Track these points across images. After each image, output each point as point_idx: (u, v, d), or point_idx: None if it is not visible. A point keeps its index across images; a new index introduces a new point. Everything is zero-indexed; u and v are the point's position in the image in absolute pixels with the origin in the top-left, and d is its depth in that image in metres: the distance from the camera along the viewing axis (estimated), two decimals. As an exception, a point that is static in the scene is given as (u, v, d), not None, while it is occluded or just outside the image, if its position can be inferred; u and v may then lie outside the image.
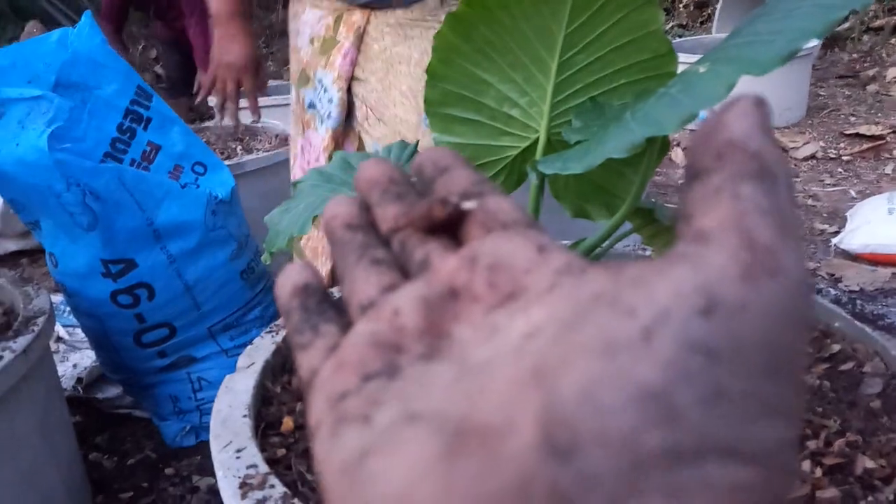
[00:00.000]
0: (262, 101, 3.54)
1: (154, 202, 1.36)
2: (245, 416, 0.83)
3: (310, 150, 1.40)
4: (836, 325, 0.97)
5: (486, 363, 0.18)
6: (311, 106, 1.39)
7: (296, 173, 1.49)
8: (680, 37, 5.42)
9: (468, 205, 0.24)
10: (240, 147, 2.35)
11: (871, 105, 4.05)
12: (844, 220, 2.43)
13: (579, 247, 0.86)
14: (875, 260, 2.17)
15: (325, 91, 1.35)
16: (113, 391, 1.67)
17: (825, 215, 2.64)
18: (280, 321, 1.07)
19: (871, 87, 4.36)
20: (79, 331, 1.66)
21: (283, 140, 2.46)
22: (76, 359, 1.73)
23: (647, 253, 1.20)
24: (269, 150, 2.33)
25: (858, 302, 0.99)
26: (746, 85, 0.37)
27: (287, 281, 0.26)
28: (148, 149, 1.47)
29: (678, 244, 0.18)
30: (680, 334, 0.16)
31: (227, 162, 2.15)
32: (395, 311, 0.22)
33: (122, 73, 1.43)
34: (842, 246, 2.26)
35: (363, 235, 0.27)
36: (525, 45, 0.81)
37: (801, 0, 0.60)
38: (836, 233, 2.39)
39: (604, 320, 0.17)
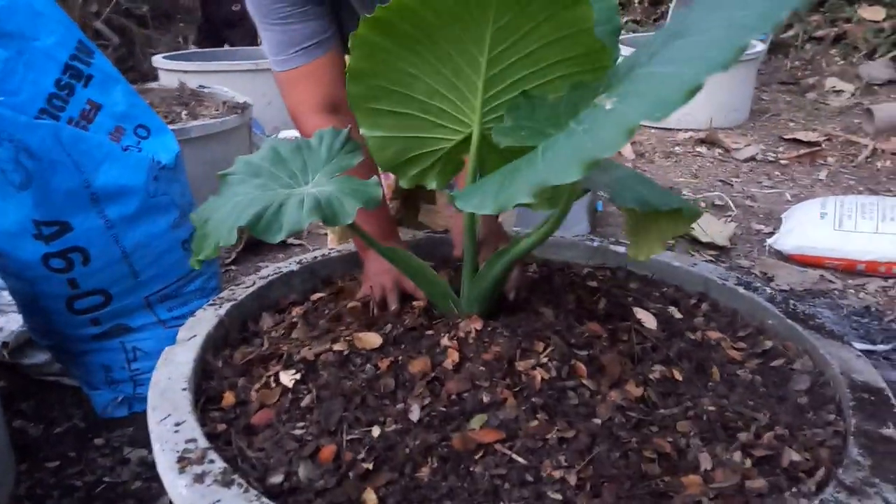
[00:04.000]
0: (210, 65, 3.43)
1: (93, 164, 1.30)
2: (185, 388, 0.81)
3: None
4: (770, 322, 1.01)
5: None
6: None
7: None
8: (634, 32, 5.50)
9: None
10: (185, 112, 2.27)
11: (810, 112, 4.21)
12: (779, 221, 2.52)
13: (531, 238, 0.86)
14: (805, 261, 2.27)
15: None
16: (41, 357, 1.60)
17: (761, 216, 2.74)
18: (224, 294, 1.04)
19: (811, 95, 4.53)
20: (5, 293, 1.59)
21: (231, 107, 2.39)
22: (2, 322, 1.65)
23: (620, 249, 1.21)
24: (216, 117, 2.25)
25: (791, 302, 1.03)
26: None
27: None
28: (88, 107, 1.40)
29: None
30: None
31: (171, 127, 2.07)
32: None
33: (62, 24, 1.35)
34: (776, 246, 2.35)
35: None
36: (451, 39, 0.79)
37: (715, 18, 0.60)
38: (771, 233, 2.48)
39: None
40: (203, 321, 0.96)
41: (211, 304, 1.01)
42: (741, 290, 1.07)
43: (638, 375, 0.85)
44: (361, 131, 0.90)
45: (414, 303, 1.01)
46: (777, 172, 3.26)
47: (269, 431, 0.78)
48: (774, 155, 3.47)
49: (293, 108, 1.12)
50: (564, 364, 0.84)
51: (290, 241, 2.42)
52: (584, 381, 0.82)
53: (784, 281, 2.18)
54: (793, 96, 4.55)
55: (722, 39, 0.56)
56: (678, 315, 1.03)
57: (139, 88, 2.61)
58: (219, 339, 0.96)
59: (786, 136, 3.69)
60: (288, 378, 0.85)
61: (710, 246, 2.40)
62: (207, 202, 0.86)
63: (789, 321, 0.97)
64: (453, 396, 0.80)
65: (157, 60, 3.51)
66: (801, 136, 3.65)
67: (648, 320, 0.97)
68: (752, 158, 3.42)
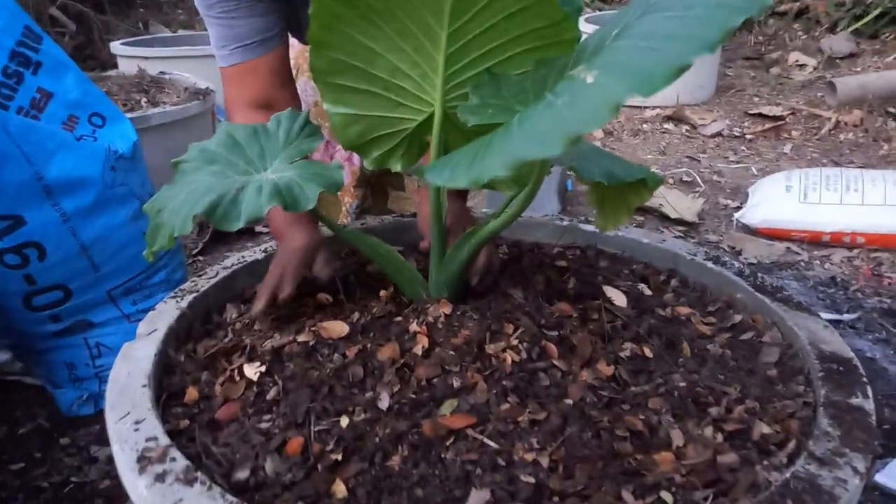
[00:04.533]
0: (171, 51, 3.35)
1: (45, 155, 1.25)
2: (145, 385, 0.78)
3: None
4: (739, 296, 1.01)
5: None
6: None
7: None
8: (600, 10, 5.49)
9: None
10: (144, 99, 2.21)
11: (774, 87, 4.25)
12: (746, 195, 2.55)
13: (499, 219, 0.84)
14: (772, 234, 2.30)
15: None
16: (1, 356, 1.56)
17: (728, 191, 2.77)
18: (186, 285, 1.01)
19: (774, 70, 4.58)
20: (-40, 292, 1.53)
21: (193, 94, 2.33)
22: (-43, 322, 1.60)
23: (589, 228, 1.20)
24: (177, 104, 2.20)
25: (759, 274, 1.04)
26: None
27: None
28: (38, 96, 1.35)
29: None
30: None
31: (130, 115, 2.01)
32: None
33: (6, 9, 1.30)
34: (743, 220, 2.37)
35: None
36: (411, 11, 0.76)
37: None
38: (738, 208, 2.51)
39: None
40: (164, 314, 0.93)
41: (172, 297, 0.98)
42: (710, 264, 1.07)
43: (609, 354, 0.84)
44: (325, 107, 0.87)
45: (381, 292, 0.98)
46: (743, 147, 3.29)
47: (235, 426, 0.76)
48: (740, 130, 3.50)
49: (227, 101, 1.12)
50: (535, 345, 0.83)
51: (259, 229, 2.38)
52: (555, 362, 0.81)
53: (752, 254, 2.20)
54: (757, 71, 4.59)
55: (708, 18, 0.54)
56: (648, 292, 1.03)
57: (96, 76, 2.53)
58: (181, 333, 0.93)
59: (751, 111, 3.73)
60: (252, 371, 0.83)
61: (679, 222, 2.41)
62: (161, 191, 0.83)
63: (758, 294, 0.98)
64: (423, 383, 0.78)
65: (116, 47, 3.41)
66: (765, 110, 3.69)
67: (618, 298, 0.97)
68: (719, 134, 3.45)
